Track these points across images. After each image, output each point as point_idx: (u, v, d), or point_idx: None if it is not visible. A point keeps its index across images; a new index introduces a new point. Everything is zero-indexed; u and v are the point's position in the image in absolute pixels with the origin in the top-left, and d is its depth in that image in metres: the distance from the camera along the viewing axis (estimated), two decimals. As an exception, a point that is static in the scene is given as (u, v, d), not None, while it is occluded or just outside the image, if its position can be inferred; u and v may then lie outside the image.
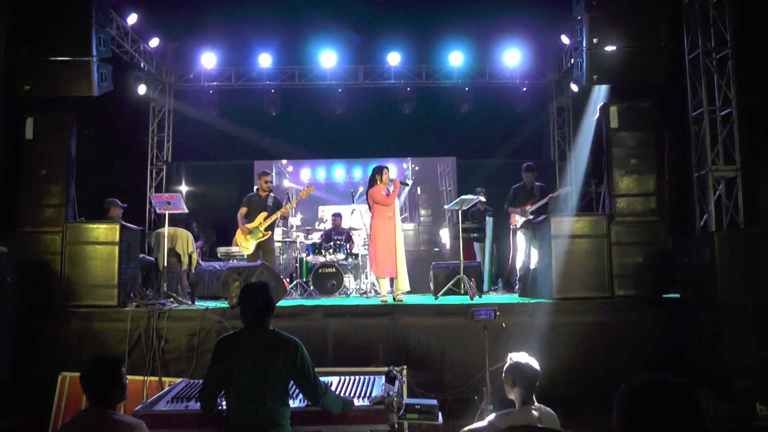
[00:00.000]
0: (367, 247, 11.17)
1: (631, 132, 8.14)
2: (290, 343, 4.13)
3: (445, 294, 8.72)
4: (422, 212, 14.93)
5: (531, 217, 9.51)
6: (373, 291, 10.18)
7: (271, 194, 9.58)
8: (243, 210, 9.46)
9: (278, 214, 9.34)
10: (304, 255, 10.75)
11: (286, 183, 15.06)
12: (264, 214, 9.33)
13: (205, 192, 14.09)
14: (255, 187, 10.06)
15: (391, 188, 8.64)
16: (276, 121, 13.70)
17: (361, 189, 12.71)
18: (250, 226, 9.26)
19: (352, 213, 11.43)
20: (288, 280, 10.36)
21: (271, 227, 9.38)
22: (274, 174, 14.94)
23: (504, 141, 13.63)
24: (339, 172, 15.50)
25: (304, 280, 10.48)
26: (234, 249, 10.80)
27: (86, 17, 7.99)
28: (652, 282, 7.70)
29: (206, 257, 11.62)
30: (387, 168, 8.78)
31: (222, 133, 13.79)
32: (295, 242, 11.43)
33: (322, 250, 10.33)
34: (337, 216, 11.66)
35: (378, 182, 8.63)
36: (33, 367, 7.04)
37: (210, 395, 4.16)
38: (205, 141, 14.13)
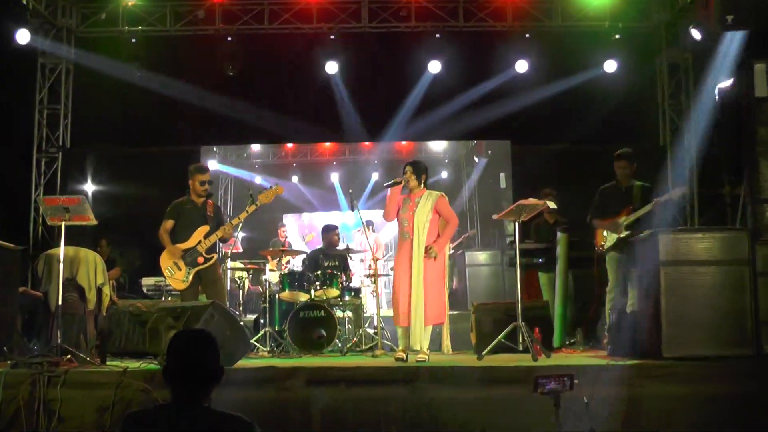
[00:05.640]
0: (372, 279, 11.18)
1: (787, 104, 8.15)
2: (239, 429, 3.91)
3: (493, 351, 8.70)
4: (481, 258, 14.69)
5: (627, 233, 9.45)
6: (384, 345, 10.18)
7: (210, 201, 9.46)
8: (168, 223, 9.33)
9: (227, 227, 9.21)
10: (276, 290, 10.71)
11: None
12: (204, 228, 9.22)
13: (125, 193, 14.08)
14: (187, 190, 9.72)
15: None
16: (234, 85, 13.80)
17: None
18: (183, 246, 9.17)
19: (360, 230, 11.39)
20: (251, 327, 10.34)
21: (214, 248, 9.33)
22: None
23: (584, 116, 13.53)
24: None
25: (277, 329, 10.44)
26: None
27: None
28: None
29: (125, 292, 11.62)
30: (409, 166, 8.91)
31: (151, 104, 13.77)
32: (264, 270, 11.38)
33: (305, 283, 10.30)
34: (331, 229, 11.60)
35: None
36: None
37: None
38: (125, 116, 14.19)
